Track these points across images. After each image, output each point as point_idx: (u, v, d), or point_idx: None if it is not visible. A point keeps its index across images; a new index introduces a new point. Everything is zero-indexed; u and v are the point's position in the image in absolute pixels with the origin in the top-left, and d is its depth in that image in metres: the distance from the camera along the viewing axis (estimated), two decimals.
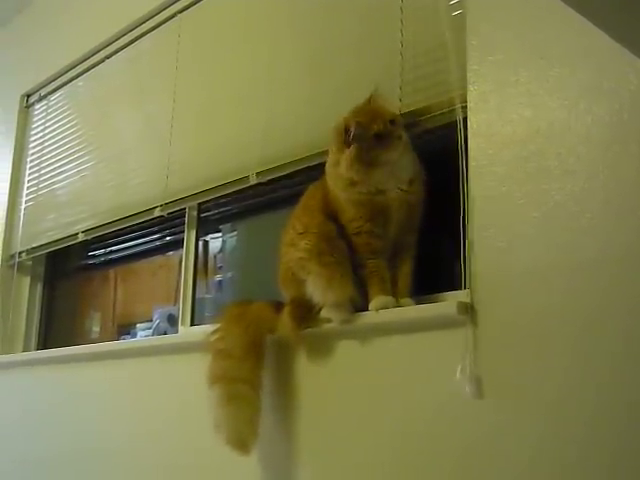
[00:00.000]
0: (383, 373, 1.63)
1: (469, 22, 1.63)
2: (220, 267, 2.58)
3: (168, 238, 2.70)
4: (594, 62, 1.41)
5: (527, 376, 1.40)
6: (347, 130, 1.65)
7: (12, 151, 3.38)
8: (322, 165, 1.79)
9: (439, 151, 1.73)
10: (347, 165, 1.65)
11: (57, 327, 3.24)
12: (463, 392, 1.45)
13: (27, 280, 3.26)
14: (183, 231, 2.53)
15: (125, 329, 2.98)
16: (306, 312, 1.73)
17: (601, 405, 1.30)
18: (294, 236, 1.77)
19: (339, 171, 1.68)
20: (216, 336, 1.86)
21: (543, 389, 1.37)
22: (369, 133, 1.63)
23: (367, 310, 1.65)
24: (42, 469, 2.70)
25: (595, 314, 1.33)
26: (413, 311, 1.59)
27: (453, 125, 1.63)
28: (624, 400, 1.28)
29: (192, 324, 2.45)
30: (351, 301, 1.68)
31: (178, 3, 2.62)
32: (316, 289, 1.69)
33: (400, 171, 1.66)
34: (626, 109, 1.35)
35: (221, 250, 2.58)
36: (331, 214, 1.73)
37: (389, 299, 1.62)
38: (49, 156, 3.19)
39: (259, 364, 1.82)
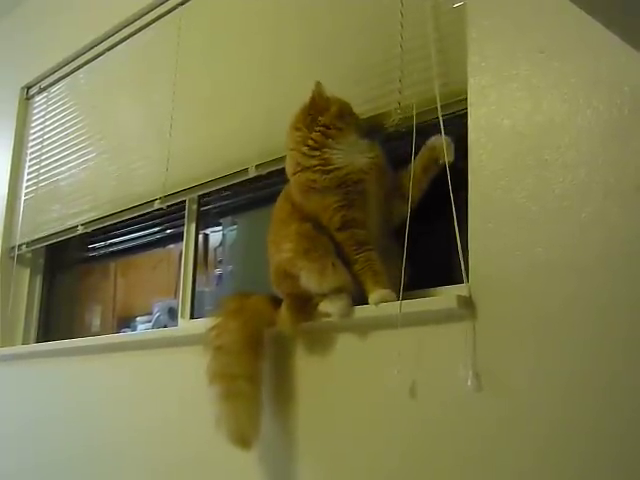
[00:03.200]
0: (383, 366, 1.63)
1: (470, 15, 1.63)
2: (220, 260, 2.58)
3: (168, 231, 2.70)
4: (595, 56, 1.40)
5: (526, 371, 1.40)
6: (314, 104, 1.77)
7: (12, 143, 3.38)
8: None
9: None
10: (330, 119, 1.74)
11: (57, 320, 3.24)
12: (465, 386, 1.46)
13: (27, 272, 3.26)
14: (183, 224, 2.53)
15: (125, 322, 2.98)
16: (304, 304, 1.72)
17: (603, 398, 1.30)
18: (277, 247, 1.77)
19: (306, 150, 1.75)
20: (214, 332, 1.85)
21: (542, 384, 1.37)
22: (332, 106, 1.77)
23: (365, 304, 1.65)
24: (41, 461, 2.71)
25: (595, 308, 1.33)
26: (413, 305, 1.58)
27: (455, 118, 1.64)
28: (625, 395, 1.27)
29: (192, 317, 2.46)
30: (348, 290, 1.68)
31: None
32: (310, 281, 1.68)
33: (361, 144, 1.74)
34: (627, 103, 1.34)
35: (221, 243, 2.58)
36: (307, 218, 1.74)
37: (387, 292, 1.61)
38: (49, 148, 3.18)
39: (258, 359, 1.81)
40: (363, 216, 1.69)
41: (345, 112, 1.77)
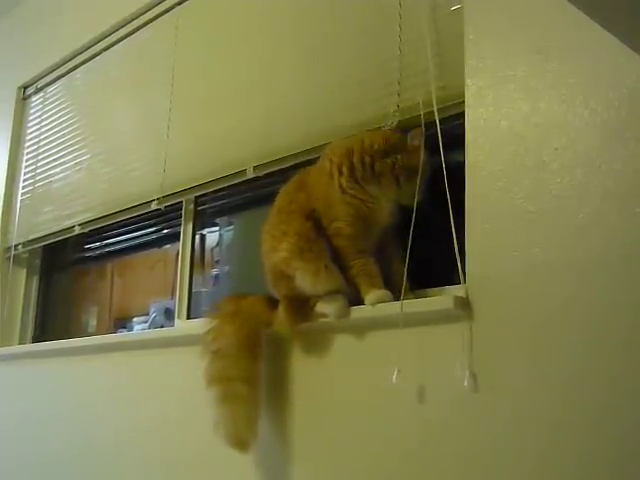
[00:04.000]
0: (380, 367, 1.62)
1: (467, 17, 1.63)
2: (217, 261, 2.58)
3: (165, 231, 2.70)
4: (592, 57, 1.40)
5: (523, 372, 1.40)
6: (399, 143, 1.69)
7: (9, 143, 3.37)
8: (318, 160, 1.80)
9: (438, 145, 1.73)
10: (400, 165, 1.67)
11: (53, 320, 3.23)
12: (461, 386, 1.46)
13: (23, 272, 3.26)
14: (180, 224, 2.53)
15: (122, 322, 2.97)
16: (301, 305, 1.72)
17: (602, 400, 1.30)
18: (273, 243, 1.76)
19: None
20: (210, 336, 1.85)
21: (539, 385, 1.37)
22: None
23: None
24: (38, 460, 2.70)
25: (593, 309, 1.33)
26: (410, 305, 1.58)
27: (454, 120, 1.64)
28: (625, 397, 1.27)
29: (188, 317, 2.45)
30: (343, 293, 1.68)
31: None
32: (304, 282, 1.69)
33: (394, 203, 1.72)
34: (624, 105, 1.34)
35: (218, 244, 2.57)
36: (312, 214, 1.73)
37: (384, 292, 1.62)
38: (46, 148, 3.18)
39: (255, 361, 1.81)
40: (363, 236, 1.69)
41: (414, 170, 1.67)
